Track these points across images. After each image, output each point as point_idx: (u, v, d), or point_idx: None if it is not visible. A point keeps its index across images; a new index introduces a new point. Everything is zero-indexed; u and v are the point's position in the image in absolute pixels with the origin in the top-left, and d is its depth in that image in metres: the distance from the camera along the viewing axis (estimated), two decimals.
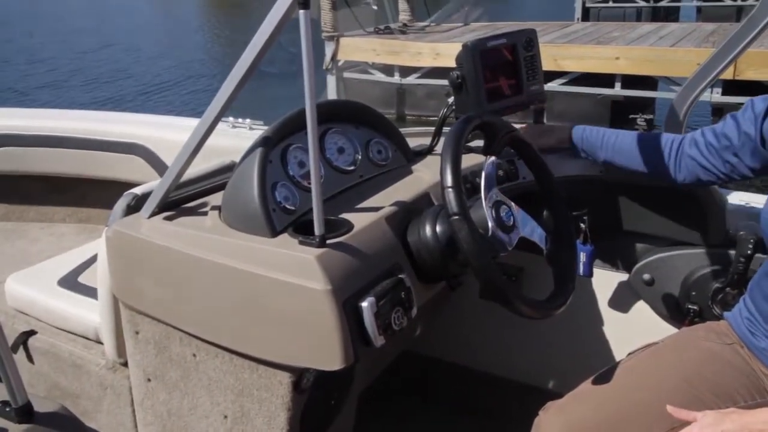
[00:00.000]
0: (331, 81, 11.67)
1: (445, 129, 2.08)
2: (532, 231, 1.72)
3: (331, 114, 1.96)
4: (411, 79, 11.33)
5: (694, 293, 2.12)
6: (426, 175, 1.99)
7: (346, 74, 11.84)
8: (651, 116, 10.26)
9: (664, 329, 2.21)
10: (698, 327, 1.87)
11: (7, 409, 1.46)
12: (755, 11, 1.92)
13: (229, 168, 2.01)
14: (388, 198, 1.82)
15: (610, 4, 17.77)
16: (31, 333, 2.30)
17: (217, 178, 1.98)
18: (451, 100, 2.07)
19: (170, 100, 14.36)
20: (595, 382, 1.76)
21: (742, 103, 1.79)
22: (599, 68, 9.78)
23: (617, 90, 9.97)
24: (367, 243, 1.61)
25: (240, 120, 2.93)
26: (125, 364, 2.04)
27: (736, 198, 2.17)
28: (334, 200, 1.82)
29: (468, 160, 1.98)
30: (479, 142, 1.98)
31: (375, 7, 12.21)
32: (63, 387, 2.27)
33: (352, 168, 1.94)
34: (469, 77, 1.99)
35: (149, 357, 1.91)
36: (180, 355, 1.84)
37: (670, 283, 2.19)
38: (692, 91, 2.11)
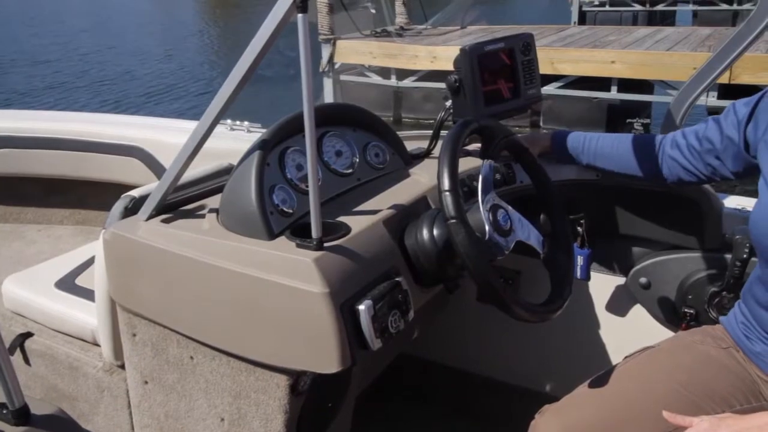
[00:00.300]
0: (327, 84, 11.68)
1: (443, 132, 2.08)
2: (529, 234, 1.72)
3: (329, 117, 1.97)
4: (408, 82, 11.36)
5: (690, 297, 2.13)
6: (423, 178, 2.00)
7: (343, 77, 11.86)
8: (648, 120, 10.28)
9: (661, 333, 2.21)
10: (694, 331, 1.87)
11: (4, 412, 1.47)
12: (752, 15, 1.93)
13: (227, 171, 2.01)
14: (385, 201, 1.82)
15: (607, 7, 17.85)
16: (28, 335, 2.30)
17: (215, 181, 1.98)
18: (448, 103, 2.07)
19: (173, 102, 14.37)
20: (591, 386, 1.77)
21: None
22: (595, 72, 9.80)
23: (613, 94, 10.00)
24: (364, 246, 1.61)
25: (238, 123, 2.93)
26: (122, 367, 2.04)
27: (733, 202, 2.18)
28: (331, 203, 1.82)
29: (465, 164, 1.99)
30: (477, 146, 1.99)
31: (373, 11, 12.22)
32: (60, 389, 2.26)
33: (349, 171, 1.94)
34: (466, 81, 2.00)
35: (146, 359, 1.90)
36: (177, 357, 1.84)
37: (666, 286, 2.19)
38: (689, 95, 2.12)
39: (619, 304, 2.33)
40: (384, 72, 11.61)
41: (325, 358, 1.50)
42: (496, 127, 1.81)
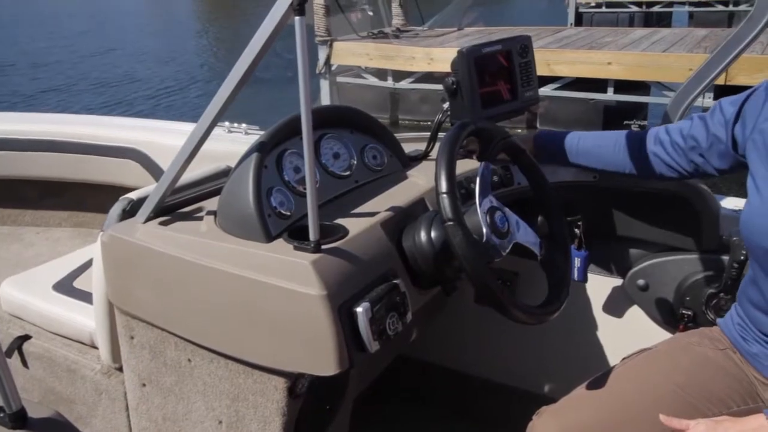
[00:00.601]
0: (324, 85, 11.68)
1: (441, 134, 2.08)
2: (527, 236, 1.72)
3: (327, 119, 1.97)
4: (404, 84, 11.36)
5: (688, 299, 2.13)
6: (421, 180, 2.00)
7: (340, 78, 11.85)
8: (645, 122, 10.30)
9: (659, 334, 2.22)
10: (692, 332, 1.88)
11: (1, 415, 1.46)
12: (749, 17, 1.93)
13: (225, 173, 2.01)
14: (383, 203, 1.82)
15: (603, 9, 17.87)
16: (26, 338, 2.29)
17: (213, 183, 1.98)
18: (446, 105, 2.07)
19: (173, 103, 14.37)
20: (589, 387, 1.77)
21: None
22: (592, 73, 9.82)
23: (610, 95, 10.01)
24: (362, 248, 1.61)
25: (236, 125, 2.94)
26: (120, 369, 2.04)
27: (730, 204, 2.18)
28: (329, 205, 1.82)
29: (463, 166, 1.98)
30: (474, 148, 1.99)
31: (370, 13, 12.23)
32: (58, 392, 2.26)
33: (347, 173, 1.94)
34: (464, 83, 2.00)
35: (144, 362, 1.90)
36: (175, 360, 1.84)
37: (664, 288, 2.19)
38: (686, 96, 2.12)
39: (616, 306, 2.33)
40: (381, 74, 11.61)
41: (322, 360, 1.49)
42: (493, 130, 1.81)
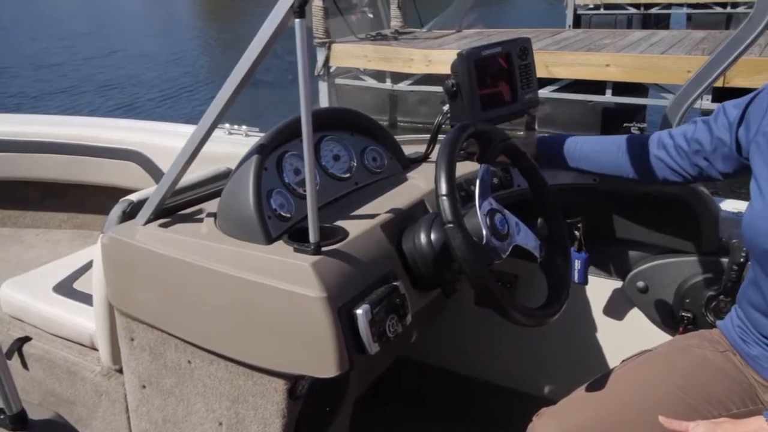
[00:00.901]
0: (323, 87, 11.67)
1: (441, 137, 2.08)
2: (527, 239, 1.72)
3: (327, 121, 1.97)
4: (403, 86, 11.36)
5: (687, 301, 2.13)
6: (421, 182, 2.00)
7: (338, 80, 11.85)
8: (644, 124, 10.30)
9: (658, 336, 2.22)
10: (692, 335, 1.88)
11: (1, 417, 1.46)
12: (748, 20, 1.93)
13: (225, 175, 2.01)
14: (383, 205, 1.82)
15: (602, 11, 17.87)
16: (26, 339, 2.29)
17: (213, 185, 1.98)
18: (446, 107, 2.07)
19: (176, 105, 14.36)
20: (588, 389, 1.77)
21: None
22: (590, 75, 9.83)
23: (608, 97, 10.02)
24: (362, 250, 1.61)
25: (236, 127, 2.94)
26: (120, 371, 2.04)
27: (730, 206, 2.18)
28: (329, 207, 1.82)
29: (463, 168, 1.99)
30: (474, 150, 1.99)
31: (371, 15, 12.23)
32: (58, 394, 2.26)
33: (347, 175, 1.94)
34: (464, 85, 2.00)
35: (144, 364, 1.90)
36: (175, 361, 1.84)
37: (664, 290, 2.20)
38: (686, 98, 2.12)
39: (616, 308, 2.33)
40: (379, 75, 11.62)
41: (322, 362, 1.50)
42: (493, 132, 1.81)
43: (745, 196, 1.76)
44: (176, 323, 1.77)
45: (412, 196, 1.90)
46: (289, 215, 1.70)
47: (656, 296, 2.22)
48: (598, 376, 1.79)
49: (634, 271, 2.25)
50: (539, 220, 2.01)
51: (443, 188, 1.53)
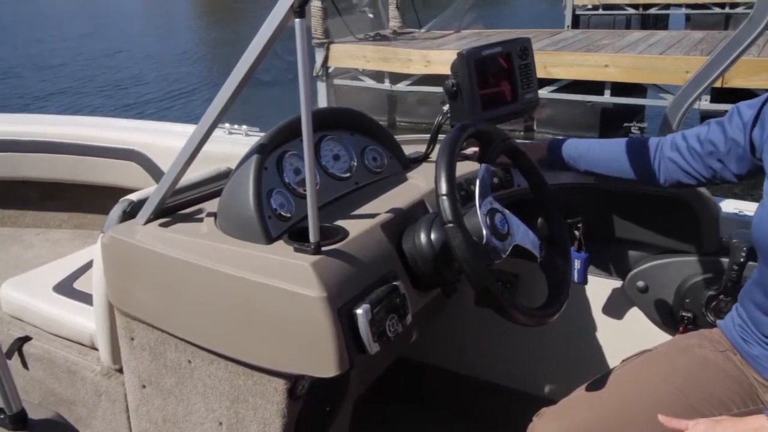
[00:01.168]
0: (321, 88, 11.66)
1: (441, 136, 2.08)
2: (527, 238, 1.72)
3: (327, 121, 1.97)
4: (401, 86, 11.35)
5: (687, 300, 2.13)
6: (421, 182, 2.00)
7: (337, 81, 11.83)
8: (644, 124, 10.30)
9: (658, 336, 2.22)
10: (692, 334, 1.88)
11: (1, 416, 1.46)
12: (748, 20, 1.93)
13: (225, 175, 2.01)
14: (383, 205, 1.83)
15: (600, 11, 17.85)
16: (26, 339, 2.29)
17: (213, 185, 1.98)
18: (446, 107, 2.07)
19: (176, 105, 14.36)
20: (589, 389, 1.77)
21: None
22: (589, 76, 9.81)
23: (607, 97, 10.01)
24: (362, 250, 1.61)
25: (236, 126, 2.94)
26: (120, 371, 2.04)
27: (730, 206, 2.19)
28: (329, 207, 1.82)
29: (463, 168, 1.99)
30: (474, 150, 1.99)
31: (371, 15, 12.22)
32: (58, 393, 2.26)
33: (347, 175, 1.94)
34: (464, 85, 2.00)
35: (144, 363, 1.90)
36: (175, 361, 1.84)
37: (664, 290, 2.20)
38: (686, 99, 2.12)
39: (616, 308, 2.33)
40: (378, 76, 11.59)
41: (322, 362, 1.50)
42: (493, 131, 1.81)
43: (744, 196, 1.76)
44: (176, 323, 1.77)
45: (412, 196, 1.90)
46: (289, 215, 1.71)
47: (656, 296, 2.22)
48: (598, 376, 1.79)
49: (634, 270, 2.25)
50: (539, 220, 2.01)
51: (443, 188, 1.53)
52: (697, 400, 1.66)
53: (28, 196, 3.41)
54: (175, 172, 1.69)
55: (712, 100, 8.74)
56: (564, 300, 1.71)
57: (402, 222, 1.78)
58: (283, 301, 1.51)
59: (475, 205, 1.62)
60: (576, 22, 17.48)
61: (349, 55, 11.45)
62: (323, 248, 1.52)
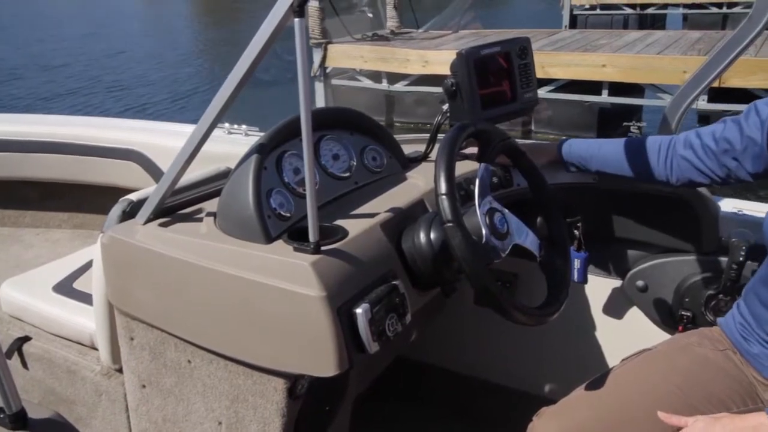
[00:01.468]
0: (319, 88, 11.65)
1: (440, 136, 2.09)
2: (526, 238, 1.72)
3: (326, 121, 1.97)
4: (399, 86, 11.35)
5: (687, 300, 2.13)
6: (420, 181, 2.00)
7: (334, 81, 11.83)
8: (644, 124, 10.31)
9: (658, 335, 2.22)
10: (691, 333, 1.88)
11: (1, 416, 1.46)
12: (747, 20, 1.93)
13: (225, 174, 2.01)
14: (382, 205, 1.83)
15: (598, 11, 17.87)
16: (26, 339, 2.29)
17: (213, 185, 1.98)
18: (445, 107, 2.08)
19: (176, 106, 14.36)
20: (588, 388, 1.77)
21: (728, 111, 1.79)
22: (586, 76, 9.83)
23: (604, 97, 10.03)
24: (361, 249, 1.62)
25: (236, 126, 2.94)
26: (120, 371, 2.04)
27: (729, 205, 2.19)
28: (328, 207, 1.82)
29: (462, 167, 1.99)
30: (474, 149, 1.99)
31: (370, 15, 12.22)
32: (58, 393, 2.26)
33: (347, 175, 1.94)
34: (463, 85, 2.00)
35: (144, 363, 1.90)
36: (175, 361, 1.84)
37: (663, 289, 2.20)
38: (685, 99, 2.12)
39: (616, 307, 2.33)
40: (375, 76, 11.61)
41: (322, 361, 1.50)
42: (492, 131, 1.82)
43: (743, 195, 1.76)
44: (176, 323, 1.77)
45: (412, 196, 1.90)
46: (288, 214, 1.71)
47: (656, 295, 2.22)
48: (597, 375, 1.79)
49: (634, 270, 2.25)
50: (539, 220, 2.01)
51: (443, 187, 1.53)
52: (697, 398, 1.66)
53: (28, 196, 3.41)
54: (174, 171, 1.69)
55: (710, 100, 8.75)
56: (563, 299, 1.72)
57: (401, 221, 1.78)
58: (283, 300, 1.51)
59: (474, 204, 1.62)
60: (573, 22, 17.51)
61: (347, 55, 11.45)
62: (323, 248, 1.52)
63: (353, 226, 1.66)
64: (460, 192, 1.91)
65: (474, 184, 1.65)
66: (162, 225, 1.78)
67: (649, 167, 1.95)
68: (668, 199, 2.11)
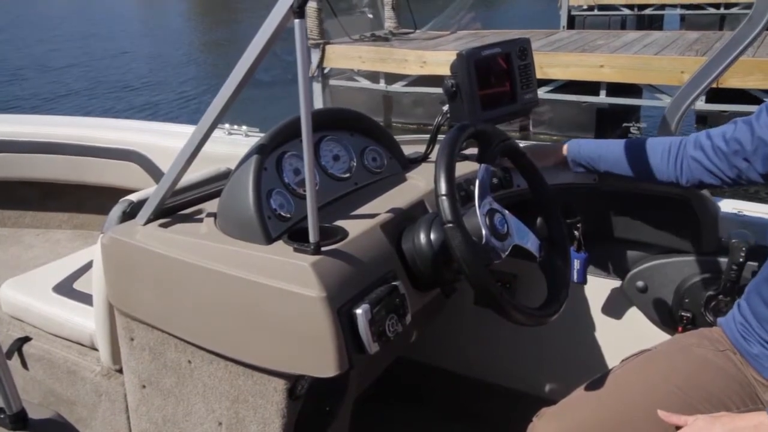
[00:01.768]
0: (317, 88, 11.64)
1: (440, 137, 2.09)
2: (526, 238, 1.72)
3: (327, 122, 1.97)
4: (397, 87, 11.35)
5: (687, 300, 2.14)
6: (420, 182, 2.00)
7: (332, 81, 11.83)
8: (643, 124, 10.31)
9: (658, 336, 2.22)
10: (691, 334, 1.88)
11: (2, 416, 1.46)
12: (747, 21, 1.93)
13: (225, 175, 2.01)
14: (382, 205, 1.83)
15: (595, 12, 17.90)
16: (26, 339, 2.30)
17: (213, 185, 1.98)
18: (445, 108, 2.08)
19: (177, 106, 14.36)
20: (588, 389, 1.77)
21: (726, 111, 1.79)
22: (584, 76, 9.83)
23: (602, 98, 10.03)
24: (361, 250, 1.62)
25: (236, 127, 2.94)
26: (120, 371, 2.04)
27: (729, 206, 2.19)
28: (329, 207, 1.82)
29: (462, 168, 1.99)
30: (474, 150, 1.99)
31: (370, 15, 12.23)
32: (58, 394, 2.26)
33: (347, 175, 1.94)
34: (463, 86, 2.00)
35: (144, 363, 1.90)
36: (175, 361, 1.84)
37: (663, 290, 2.20)
38: (684, 100, 2.12)
39: (615, 308, 2.34)
40: (373, 76, 11.60)
41: (322, 362, 1.50)
42: (492, 132, 1.82)
43: (743, 195, 1.75)
44: (176, 323, 1.77)
45: (412, 196, 1.91)
46: (288, 215, 1.71)
47: (655, 296, 2.23)
48: (597, 375, 1.79)
49: (634, 270, 2.26)
50: (539, 220, 2.01)
51: (443, 188, 1.53)
52: (697, 399, 1.66)
53: (28, 197, 3.41)
54: (174, 172, 1.69)
55: (707, 101, 8.74)
56: (563, 300, 1.72)
57: (401, 222, 1.78)
58: (283, 301, 1.51)
59: (474, 205, 1.62)
60: (571, 23, 17.53)
61: (345, 55, 11.45)
62: (323, 248, 1.52)
63: (353, 227, 1.66)
64: (460, 193, 1.92)
65: (474, 185, 1.65)
66: (162, 226, 1.78)
67: (659, 168, 1.94)
68: (668, 199, 2.11)
